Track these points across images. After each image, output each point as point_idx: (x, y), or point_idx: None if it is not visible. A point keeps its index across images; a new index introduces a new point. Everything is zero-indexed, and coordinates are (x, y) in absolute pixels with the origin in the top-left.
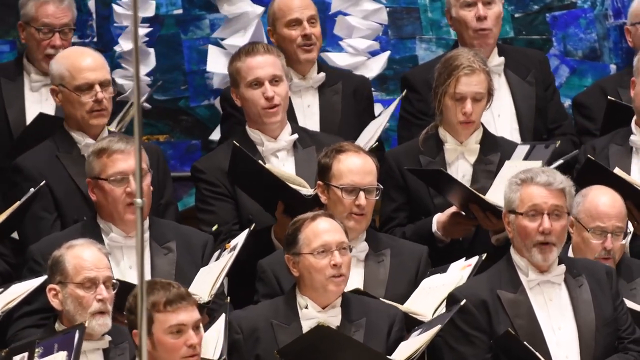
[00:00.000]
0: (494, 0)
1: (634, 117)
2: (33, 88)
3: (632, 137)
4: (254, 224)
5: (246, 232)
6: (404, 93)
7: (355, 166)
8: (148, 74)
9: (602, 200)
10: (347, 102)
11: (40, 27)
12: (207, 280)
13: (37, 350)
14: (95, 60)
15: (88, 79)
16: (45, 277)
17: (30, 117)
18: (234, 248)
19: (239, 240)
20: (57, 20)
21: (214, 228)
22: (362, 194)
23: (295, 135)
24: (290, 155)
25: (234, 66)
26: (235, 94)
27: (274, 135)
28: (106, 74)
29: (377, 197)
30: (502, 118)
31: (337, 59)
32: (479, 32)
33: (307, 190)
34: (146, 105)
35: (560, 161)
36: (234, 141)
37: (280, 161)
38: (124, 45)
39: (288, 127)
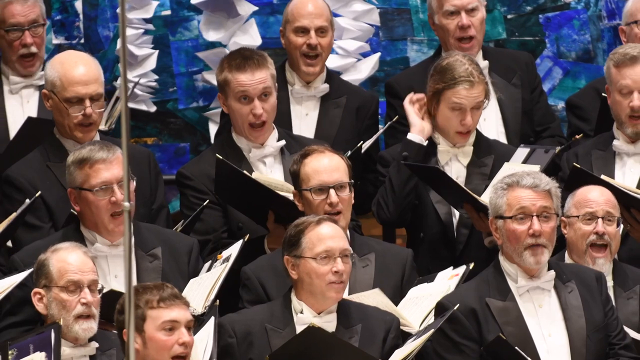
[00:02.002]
0: (477, 6)
1: (615, 123)
2: (12, 91)
3: (615, 142)
4: (248, 235)
5: (240, 243)
6: (395, 118)
7: (320, 166)
8: (153, 74)
9: (591, 191)
10: (348, 117)
11: (9, 28)
12: (200, 292)
13: (10, 352)
14: (89, 72)
15: (78, 93)
16: (29, 270)
17: (12, 121)
18: (227, 259)
19: (233, 251)
20: (25, 18)
21: (205, 202)
22: (332, 191)
23: (283, 142)
24: (277, 161)
25: (223, 76)
26: (222, 100)
27: (260, 141)
28: (98, 88)
29: (351, 192)
30: (488, 122)
31: (328, 61)
32: (463, 41)
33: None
34: (151, 107)
35: (549, 159)
36: (218, 154)
37: (268, 167)
38: (134, 50)
39: (275, 133)
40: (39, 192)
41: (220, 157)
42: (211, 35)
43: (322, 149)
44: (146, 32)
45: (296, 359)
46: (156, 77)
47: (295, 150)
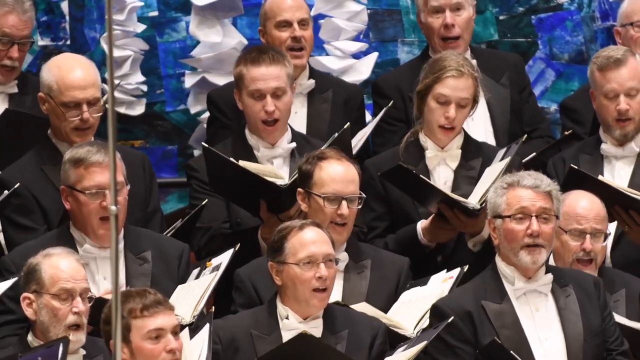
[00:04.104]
0: (463, 5)
1: (601, 126)
2: None
3: (602, 146)
4: (239, 245)
5: (231, 252)
6: (390, 103)
7: (337, 174)
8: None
9: (580, 203)
10: (337, 111)
11: (0, 37)
12: (188, 301)
13: None
14: (87, 77)
15: (76, 97)
16: (15, 279)
17: None
18: (217, 268)
19: (223, 260)
20: (19, 32)
21: (204, 202)
22: (344, 203)
23: (294, 144)
24: (286, 163)
25: (238, 70)
26: (237, 96)
27: (272, 141)
28: (95, 92)
29: (360, 207)
30: (476, 121)
31: (329, 63)
32: (447, 40)
33: (282, 181)
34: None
35: (533, 154)
36: (203, 143)
37: (275, 168)
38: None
39: (288, 134)
40: (18, 184)
41: (206, 145)
42: (204, 37)
43: (339, 155)
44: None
45: None
46: (143, 79)
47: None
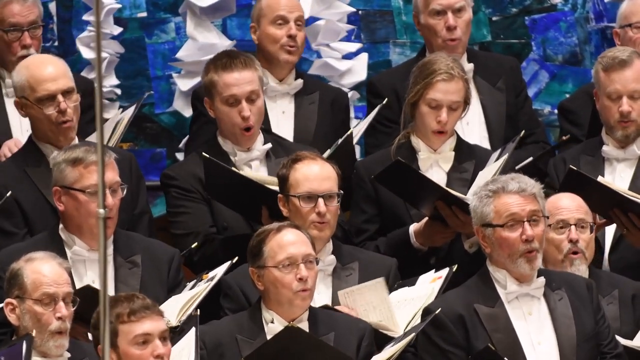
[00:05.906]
0: (464, 7)
1: (603, 128)
2: (9, 94)
3: (604, 148)
4: (237, 257)
5: (227, 264)
6: (385, 101)
7: (311, 173)
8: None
9: (562, 198)
10: (324, 112)
11: (8, 29)
12: (178, 306)
13: None
14: (56, 69)
15: (49, 89)
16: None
17: (14, 124)
18: (211, 279)
19: (219, 272)
20: (24, 19)
21: (194, 245)
22: (320, 200)
23: (269, 145)
24: (263, 165)
25: (209, 77)
26: (209, 104)
27: (247, 146)
28: (68, 82)
29: (338, 203)
30: (471, 126)
31: (335, 64)
32: (448, 42)
33: None
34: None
35: (530, 159)
36: (203, 152)
37: (253, 171)
38: (84, 52)
39: (261, 137)
40: (9, 192)
41: (207, 156)
42: (202, 38)
43: (314, 155)
44: (113, 36)
45: None
46: (117, 82)
47: (281, 154)
